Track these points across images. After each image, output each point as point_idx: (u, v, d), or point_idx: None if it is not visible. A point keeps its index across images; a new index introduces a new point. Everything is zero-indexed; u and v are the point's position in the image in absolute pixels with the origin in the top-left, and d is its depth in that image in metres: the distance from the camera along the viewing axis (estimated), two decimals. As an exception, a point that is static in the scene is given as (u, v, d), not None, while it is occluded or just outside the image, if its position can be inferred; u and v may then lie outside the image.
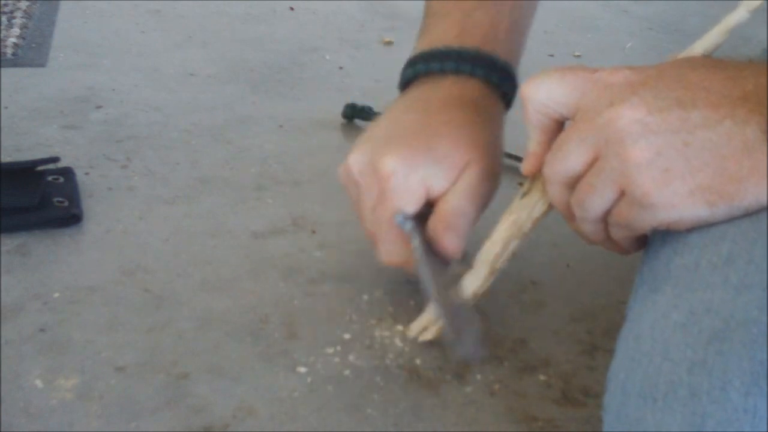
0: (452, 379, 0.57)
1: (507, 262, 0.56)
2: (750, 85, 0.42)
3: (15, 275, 0.63)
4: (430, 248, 0.55)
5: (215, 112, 0.92)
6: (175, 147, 0.84)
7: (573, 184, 0.47)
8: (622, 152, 0.43)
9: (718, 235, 0.42)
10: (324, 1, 1.31)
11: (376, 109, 0.90)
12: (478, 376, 0.57)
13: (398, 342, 0.59)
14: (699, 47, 0.51)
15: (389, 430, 0.52)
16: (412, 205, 0.55)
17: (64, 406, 0.52)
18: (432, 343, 0.59)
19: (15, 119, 0.86)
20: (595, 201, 0.46)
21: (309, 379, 0.56)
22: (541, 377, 0.58)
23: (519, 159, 0.81)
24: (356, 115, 0.91)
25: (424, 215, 0.56)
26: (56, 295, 0.61)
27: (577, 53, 1.20)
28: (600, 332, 0.63)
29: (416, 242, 0.55)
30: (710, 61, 0.47)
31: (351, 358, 0.58)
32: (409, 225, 0.55)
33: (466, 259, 0.56)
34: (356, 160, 0.57)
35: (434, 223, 0.55)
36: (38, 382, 0.53)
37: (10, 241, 0.67)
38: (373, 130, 0.59)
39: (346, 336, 0.60)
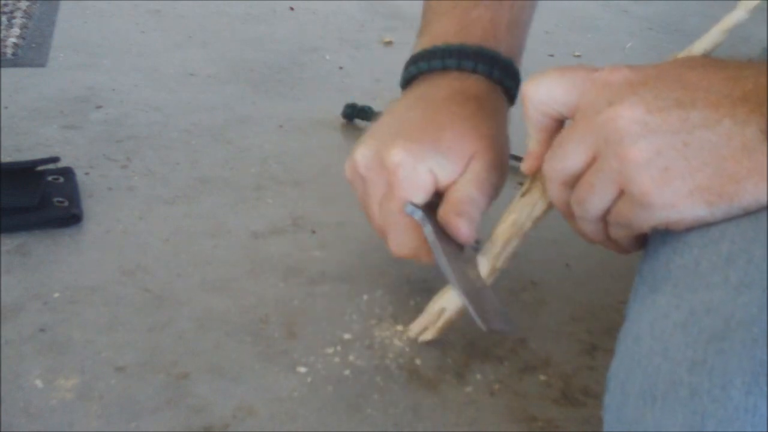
0: (452, 379, 0.57)
1: (508, 261, 0.56)
2: (750, 85, 0.42)
3: (15, 275, 0.63)
4: (443, 235, 0.55)
5: (215, 112, 0.92)
6: (175, 147, 0.84)
7: (572, 183, 0.48)
8: (622, 152, 0.43)
9: (718, 235, 0.42)
10: (324, 1, 1.31)
11: (376, 109, 0.90)
12: (478, 376, 0.57)
13: (398, 342, 0.59)
14: (698, 47, 0.51)
15: (389, 430, 0.52)
16: (421, 195, 0.55)
17: (64, 406, 0.52)
18: (432, 343, 0.59)
19: (15, 119, 0.86)
20: (594, 200, 0.46)
21: (309, 379, 0.56)
22: (541, 377, 0.58)
23: (519, 159, 0.81)
24: (356, 115, 0.91)
25: (432, 207, 0.56)
26: (56, 295, 0.61)
27: (577, 53, 1.20)
28: (600, 332, 0.63)
29: (428, 229, 0.55)
30: (710, 60, 0.47)
31: (351, 358, 0.58)
32: (419, 214, 0.55)
33: (479, 246, 0.56)
34: (362, 154, 0.57)
35: (445, 210, 0.55)
36: (38, 382, 0.53)
37: (10, 241, 0.67)
38: (378, 126, 0.59)
39: (346, 336, 0.60)
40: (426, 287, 0.64)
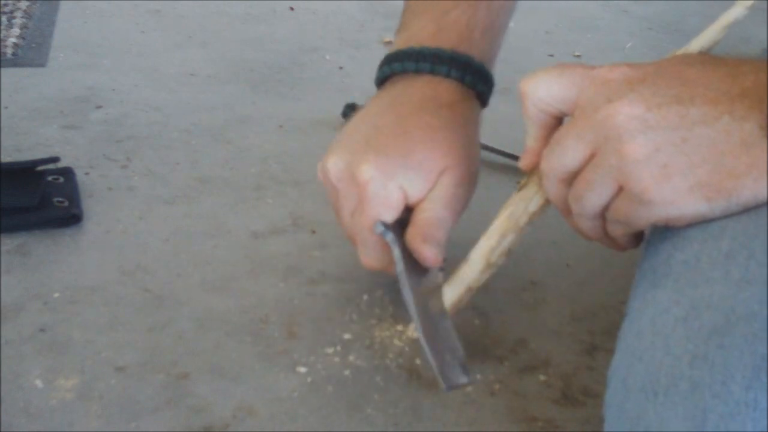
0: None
1: (504, 257, 0.55)
2: (749, 82, 0.42)
3: (15, 275, 0.63)
4: (410, 255, 0.55)
5: (215, 112, 0.92)
6: (175, 147, 0.84)
7: (570, 179, 0.48)
8: (620, 148, 0.43)
9: (719, 231, 0.42)
10: (324, 1, 1.31)
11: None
12: (478, 376, 0.57)
13: (398, 342, 0.59)
14: (697, 44, 0.51)
15: (389, 430, 0.52)
16: (391, 213, 0.55)
17: (64, 406, 0.52)
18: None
19: (15, 119, 0.86)
20: (592, 197, 0.46)
21: (309, 379, 0.56)
22: (541, 377, 0.58)
23: (515, 157, 0.81)
24: (356, 115, 0.91)
25: (402, 222, 0.56)
26: (56, 295, 0.61)
27: (577, 53, 1.20)
28: (600, 332, 0.63)
29: (397, 253, 0.55)
30: (708, 58, 0.47)
31: (351, 358, 0.58)
32: (389, 236, 0.55)
33: (445, 266, 0.56)
34: (334, 164, 0.57)
35: (412, 234, 0.55)
36: (38, 382, 0.53)
37: (10, 241, 0.67)
38: (350, 131, 0.59)
39: (346, 336, 0.60)
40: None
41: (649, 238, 0.48)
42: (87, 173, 0.77)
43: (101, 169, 0.78)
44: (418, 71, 0.60)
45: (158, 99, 0.94)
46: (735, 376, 0.35)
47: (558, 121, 0.51)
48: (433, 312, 0.55)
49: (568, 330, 0.63)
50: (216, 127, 0.89)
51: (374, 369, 0.57)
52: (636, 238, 0.51)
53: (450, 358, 0.53)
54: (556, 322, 0.63)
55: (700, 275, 0.40)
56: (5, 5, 1.16)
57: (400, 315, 0.61)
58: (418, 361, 0.58)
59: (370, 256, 0.58)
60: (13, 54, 1.01)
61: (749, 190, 0.41)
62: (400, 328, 0.61)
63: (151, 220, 0.72)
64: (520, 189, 0.55)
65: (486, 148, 0.86)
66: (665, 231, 0.45)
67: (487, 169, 0.84)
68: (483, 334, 0.61)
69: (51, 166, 0.74)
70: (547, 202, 0.53)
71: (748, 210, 0.42)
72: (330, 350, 0.58)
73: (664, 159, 0.42)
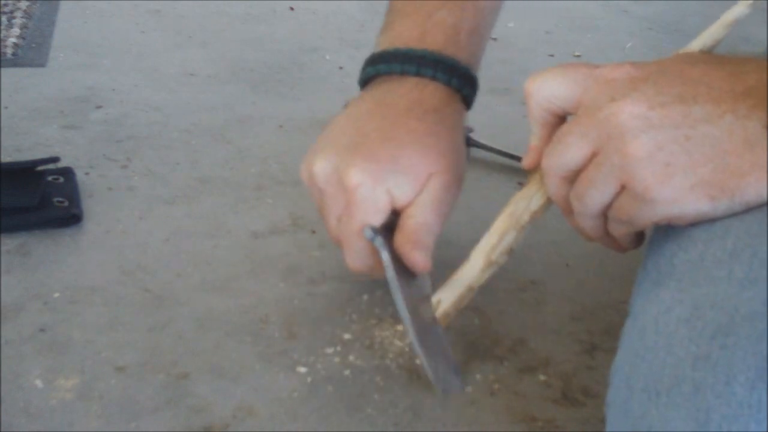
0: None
1: (505, 255, 0.55)
2: (752, 81, 0.42)
3: (15, 275, 0.63)
4: (398, 259, 0.55)
5: (215, 112, 0.92)
6: (175, 147, 0.84)
7: (572, 178, 0.48)
8: (623, 147, 0.43)
9: (723, 230, 0.42)
10: (324, 1, 1.31)
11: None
12: (478, 376, 0.57)
13: (398, 342, 0.59)
14: (699, 42, 0.51)
15: (389, 430, 0.52)
16: (379, 217, 0.55)
17: (64, 406, 0.52)
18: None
19: (15, 119, 0.86)
20: (594, 195, 0.46)
21: (309, 379, 0.56)
22: (541, 377, 0.58)
23: (518, 158, 0.81)
24: (356, 115, 0.91)
25: (389, 225, 0.56)
26: (56, 295, 0.61)
27: (577, 53, 1.20)
28: (600, 332, 0.63)
29: (386, 258, 0.55)
30: (711, 57, 0.47)
31: (351, 358, 0.58)
32: (379, 241, 0.55)
33: (436, 271, 0.56)
34: (321, 168, 0.57)
35: (402, 240, 0.55)
36: (38, 382, 0.53)
37: (10, 241, 0.67)
38: (334, 132, 0.59)
39: (346, 336, 0.60)
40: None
41: (653, 238, 0.48)
42: (87, 173, 0.77)
43: (101, 169, 0.78)
44: (403, 73, 0.60)
45: (158, 99, 0.94)
46: (738, 376, 0.35)
47: (562, 120, 0.51)
48: (424, 318, 0.55)
49: (568, 330, 0.63)
50: (216, 127, 0.89)
51: (374, 369, 0.57)
52: (637, 239, 0.51)
53: (444, 365, 0.53)
54: (556, 322, 0.63)
55: (704, 275, 0.40)
56: (5, 5, 1.16)
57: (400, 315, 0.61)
58: (418, 361, 0.57)
59: (357, 260, 0.57)
60: (13, 54, 1.01)
61: (752, 189, 0.41)
62: (400, 328, 0.60)
63: (151, 220, 0.72)
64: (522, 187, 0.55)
65: (486, 148, 0.86)
66: (669, 230, 0.45)
67: (487, 169, 0.85)
68: (483, 334, 0.61)
69: (51, 166, 0.74)
70: (549, 201, 0.53)
71: (752, 209, 0.42)
72: (330, 350, 0.58)
73: (666, 158, 0.42)
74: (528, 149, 0.53)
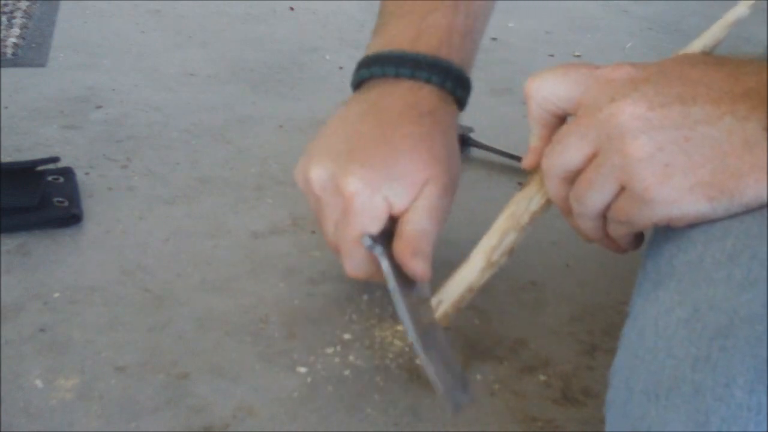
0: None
1: (506, 256, 0.55)
2: (751, 82, 0.42)
3: (15, 275, 0.63)
4: (397, 266, 0.55)
5: (215, 112, 0.92)
6: (175, 147, 0.84)
7: (571, 179, 0.48)
8: (623, 147, 0.43)
9: (722, 232, 0.42)
10: (324, 1, 1.31)
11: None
12: (478, 376, 0.57)
13: (398, 342, 0.59)
14: (699, 43, 0.51)
15: (389, 430, 0.52)
16: (376, 225, 0.55)
17: (64, 406, 0.52)
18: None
19: (15, 119, 0.86)
20: (594, 196, 0.46)
21: (309, 379, 0.56)
22: (541, 377, 0.58)
23: (518, 158, 0.81)
24: (356, 115, 0.91)
25: (386, 232, 0.56)
26: (56, 295, 0.61)
27: (577, 53, 1.20)
28: (600, 332, 0.63)
29: (386, 268, 0.54)
30: (711, 58, 0.47)
31: (351, 358, 0.58)
32: (379, 250, 0.55)
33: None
34: (317, 175, 0.56)
35: (401, 248, 0.55)
36: (38, 382, 0.53)
37: (10, 241, 0.67)
38: (329, 136, 0.59)
39: (346, 336, 0.60)
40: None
41: (653, 239, 0.48)
42: (87, 173, 0.77)
43: (101, 169, 0.78)
44: (398, 76, 0.60)
45: (158, 99, 0.94)
46: (737, 379, 0.35)
47: (562, 120, 0.51)
48: (426, 324, 0.54)
49: (568, 330, 0.63)
50: (216, 127, 0.89)
51: (374, 369, 0.57)
52: (636, 240, 0.51)
53: (451, 378, 0.53)
54: (556, 322, 0.63)
55: (703, 276, 0.40)
56: (5, 5, 1.16)
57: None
58: (418, 361, 0.57)
59: (356, 268, 0.57)
60: (13, 54, 1.01)
61: (751, 190, 0.41)
62: (400, 328, 0.60)
63: (151, 220, 0.72)
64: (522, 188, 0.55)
65: (486, 148, 0.86)
66: (668, 231, 0.45)
67: (487, 169, 0.85)
68: (483, 334, 0.61)
69: (51, 166, 0.74)
70: (549, 202, 0.53)
71: (751, 211, 0.42)
72: (330, 350, 0.58)
73: (666, 158, 0.42)
74: (528, 149, 0.53)
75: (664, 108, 0.42)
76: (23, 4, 1.17)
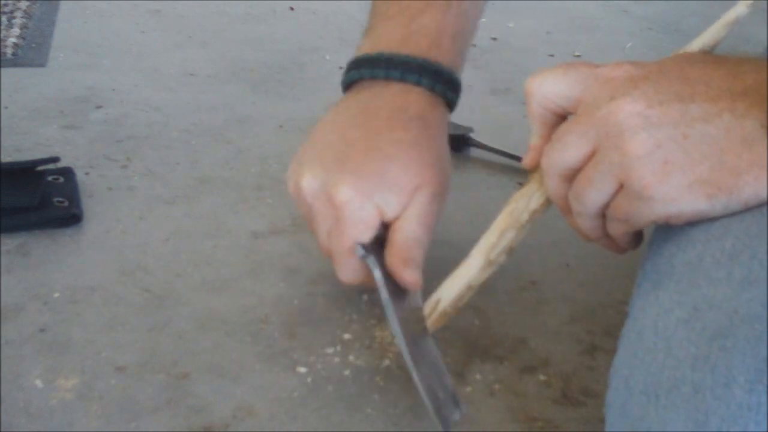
0: (452, 379, 0.57)
1: (505, 255, 0.55)
2: (750, 80, 0.42)
3: (15, 275, 0.63)
4: (389, 274, 0.55)
5: (215, 112, 0.92)
6: (175, 147, 0.84)
7: (571, 177, 0.48)
8: (622, 145, 0.43)
9: (722, 231, 0.42)
10: (324, 1, 1.31)
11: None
12: (478, 376, 0.57)
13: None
14: (699, 42, 0.51)
15: (389, 430, 0.52)
16: (368, 234, 0.55)
17: (64, 406, 0.52)
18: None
19: (15, 119, 0.86)
20: (593, 194, 0.46)
21: (309, 379, 0.56)
22: (541, 377, 0.58)
23: (518, 158, 0.81)
24: (356, 115, 0.91)
25: (378, 239, 0.56)
26: (56, 295, 0.61)
27: (577, 53, 1.20)
28: (600, 332, 0.63)
29: (379, 277, 0.54)
30: (710, 57, 0.47)
31: (351, 358, 0.58)
32: (371, 260, 0.55)
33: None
34: (308, 183, 0.56)
35: (392, 257, 0.55)
36: (38, 382, 0.53)
37: (10, 241, 0.67)
38: (318, 142, 0.59)
39: (346, 336, 0.60)
40: (425, 288, 0.63)
41: (652, 238, 0.48)
42: (87, 173, 0.77)
43: (101, 169, 0.78)
44: (387, 78, 0.60)
45: (158, 99, 0.94)
46: (737, 378, 0.35)
47: (562, 119, 0.51)
48: (417, 336, 0.54)
49: (568, 330, 0.63)
50: (216, 127, 0.89)
51: (374, 369, 0.57)
52: (636, 239, 0.51)
53: (442, 393, 0.52)
54: (556, 322, 0.63)
55: (703, 276, 0.40)
56: (5, 5, 1.16)
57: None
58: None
59: (348, 275, 0.57)
60: (13, 54, 1.02)
61: (750, 188, 0.41)
62: (400, 328, 0.60)
63: (151, 220, 0.72)
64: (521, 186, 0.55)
65: (486, 148, 0.86)
66: (668, 231, 0.45)
67: (487, 169, 0.85)
68: (483, 334, 0.61)
69: (51, 166, 0.74)
70: (549, 200, 0.53)
71: (751, 210, 0.42)
72: (330, 350, 0.58)
73: (664, 155, 0.42)
74: (528, 148, 0.53)
75: (662, 106, 0.42)
76: (23, 4, 1.17)
